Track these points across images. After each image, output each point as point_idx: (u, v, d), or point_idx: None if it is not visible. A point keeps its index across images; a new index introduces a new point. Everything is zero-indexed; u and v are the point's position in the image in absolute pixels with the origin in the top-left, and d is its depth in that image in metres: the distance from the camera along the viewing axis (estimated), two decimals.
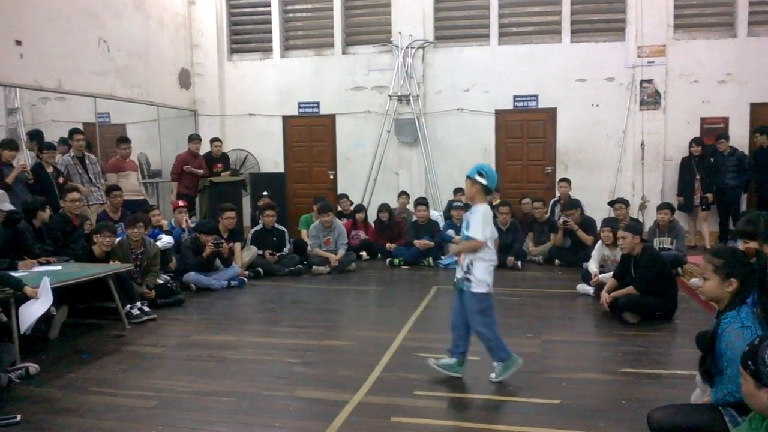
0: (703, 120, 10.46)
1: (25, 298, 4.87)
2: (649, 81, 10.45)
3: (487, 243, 4.26)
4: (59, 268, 5.87)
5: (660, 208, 8.16)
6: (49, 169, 7.46)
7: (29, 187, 7.13)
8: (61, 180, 7.52)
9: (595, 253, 7.19)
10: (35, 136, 8.08)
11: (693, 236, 10.11)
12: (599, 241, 7.24)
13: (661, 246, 7.80)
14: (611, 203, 9.09)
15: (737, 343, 2.79)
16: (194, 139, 10.22)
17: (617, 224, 7.04)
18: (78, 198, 7.04)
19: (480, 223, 4.23)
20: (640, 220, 9.92)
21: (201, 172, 9.98)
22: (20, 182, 7.00)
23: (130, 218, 6.93)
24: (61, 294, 5.84)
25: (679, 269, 7.68)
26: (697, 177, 9.89)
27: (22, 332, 4.75)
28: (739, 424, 2.80)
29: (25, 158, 7.77)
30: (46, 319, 5.37)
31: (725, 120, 10.36)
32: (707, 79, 10.38)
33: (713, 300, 3.12)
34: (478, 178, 4.27)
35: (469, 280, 4.27)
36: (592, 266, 7.07)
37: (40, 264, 5.93)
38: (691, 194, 9.96)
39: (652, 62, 10.40)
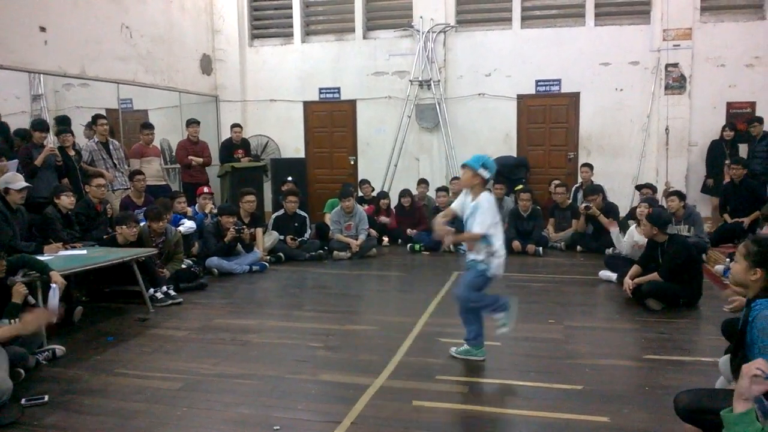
0: (729, 105, 10.24)
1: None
2: (675, 65, 10.27)
3: (489, 233, 4.22)
4: (84, 252, 5.95)
5: (668, 196, 8.03)
6: (71, 153, 7.45)
7: (57, 170, 7.17)
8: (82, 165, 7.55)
9: (627, 239, 7.13)
10: (62, 122, 8.16)
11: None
12: (631, 227, 7.16)
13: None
14: (638, 188, 8.95)
15: None
16: (192, 123, 9.83)
17: (657, 204, 6.93)
18: (104, 183, 7.09)
19: (489, 216, 4.21)
20: (665, 206, 9.77)
21: (201, 160, 9.71)
22: (49, 166, 7.04)
23: (153, 211, 6.83)
24: (86, 277, 5.97)
25: (703, 256, 7.57)
26: (727, 161, 9.67)
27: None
28: None
29: (52, 142, 7.85)
30: (67, 309, 5.45)
31: (752, 105, 10.13)
32: (734, 63, 10.14)
33: (738, 284, 3.04)
34: (482, 171, 4.29)
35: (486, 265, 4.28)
36: (628, 240, 7.04)
37: (66, 249, 6.01)
38: (721, 177, 9.71)
39: (678, 46, 10.20)
